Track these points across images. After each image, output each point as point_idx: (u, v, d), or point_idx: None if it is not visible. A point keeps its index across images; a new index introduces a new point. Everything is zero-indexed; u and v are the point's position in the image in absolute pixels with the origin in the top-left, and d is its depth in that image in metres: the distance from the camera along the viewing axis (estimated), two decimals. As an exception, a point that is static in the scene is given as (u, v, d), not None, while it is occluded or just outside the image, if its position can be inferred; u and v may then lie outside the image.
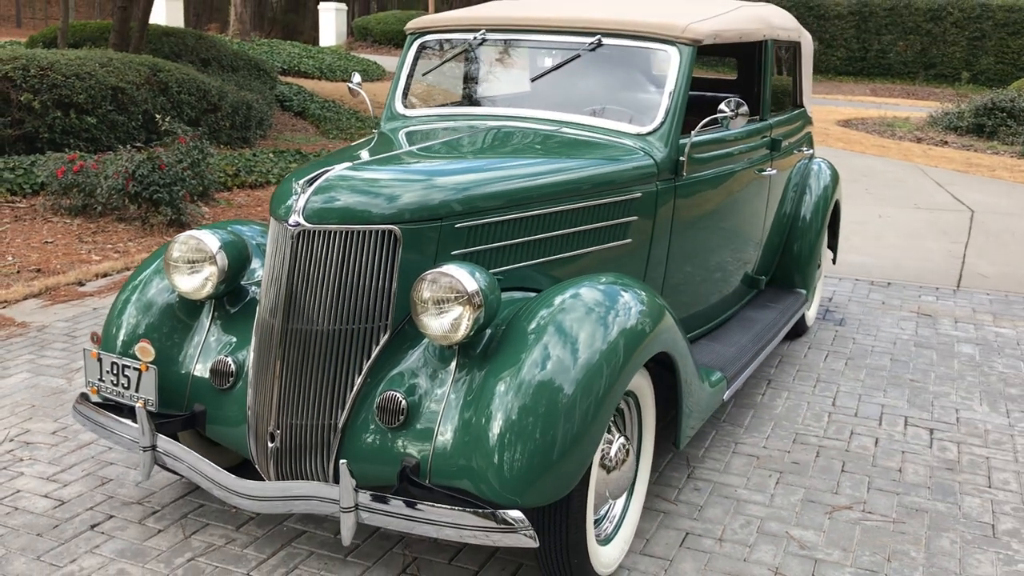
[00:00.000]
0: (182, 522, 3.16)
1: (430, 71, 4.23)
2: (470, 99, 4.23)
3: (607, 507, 2.98)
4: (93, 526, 3.12)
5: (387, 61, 21.39)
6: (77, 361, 4.55)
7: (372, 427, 2.64)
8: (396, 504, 2.50)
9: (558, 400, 2.47)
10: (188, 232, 3.04)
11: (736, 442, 3.91)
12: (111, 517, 3.18)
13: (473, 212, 2.91)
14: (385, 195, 2.75)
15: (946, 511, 3.40)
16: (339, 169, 2.81)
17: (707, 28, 3.73)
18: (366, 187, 2.77)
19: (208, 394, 2.95)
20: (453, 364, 2.64)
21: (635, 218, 3.47)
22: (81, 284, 5.79)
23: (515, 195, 3.05)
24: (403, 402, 2.60)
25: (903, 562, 3.06)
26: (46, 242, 6.61)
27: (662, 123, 3.58)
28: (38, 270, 6.02)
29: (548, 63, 3.99)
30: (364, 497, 2.52)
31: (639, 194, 3.46)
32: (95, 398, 3.05)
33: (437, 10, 26.76)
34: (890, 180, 10.73)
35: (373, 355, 2.68)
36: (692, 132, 3.63)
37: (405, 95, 4.13)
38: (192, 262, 3.00)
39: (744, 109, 3.46)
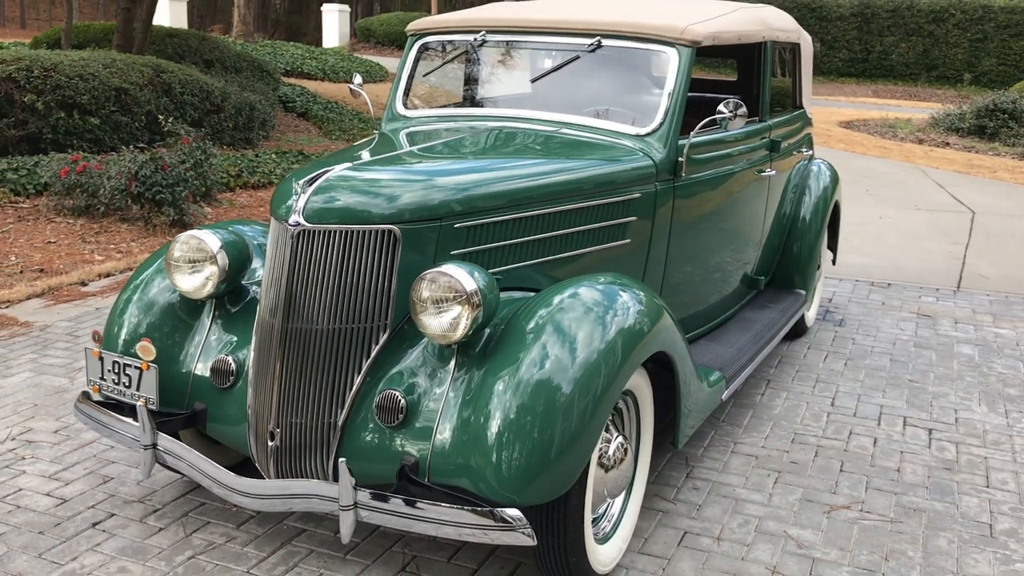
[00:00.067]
0: (183, 520, 3.18)
1: (431, 72, 4.25)
2: (470, 100, 4.25)
3: (605, 506, 3.00)
4: (94, 524, 3.14)
5: (390, 62, 21.42)
6: (79, 361, 4.57)
7: (371, 426, 2.66)
8: (395, 502, 2.51)
9: (556, 399, 2.49)
10: (189, 232, 3.06)
11: (735, 442, 3.92)
12: (112, 515, 3.20)
13: (472, 212, 2.92)
14: (385, 195, 2.77)
15: (944, 511, 3.41)
16: (339, 169, 2.83)
17: (706, 29, 3.75)
18: (366, 187, 2.78)
19: (209, 393, 2.97)
20: (452, 363, 2.66)
21: (634, 219, 3.49)
22: (84, 284, 5.82)
23: (514, 195, 3.07)
24: (402, 401, 2.62)
25: (900, 561, 3.08)
26: (49, 242, 6.64)
27: (661, 124, 3.60)
28: (41, 270, 6.05)
29: (548, 64, 4.01)
30: (363, 495, 2.53)
31: (638, 195, 3.47)
32: (96, 397, 3.07)
33: (440, 12, 26.78)
34: (891, 181, 10.74)
35: (372, 354, 2.70)
36: (691, 133, 3.65)
37: (406, 96, 4.15)
38: (193, 262, 3.01)
39: (743, 110, 3.48)
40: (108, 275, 6.01)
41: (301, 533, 3.11)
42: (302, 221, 2.69)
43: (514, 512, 2.44)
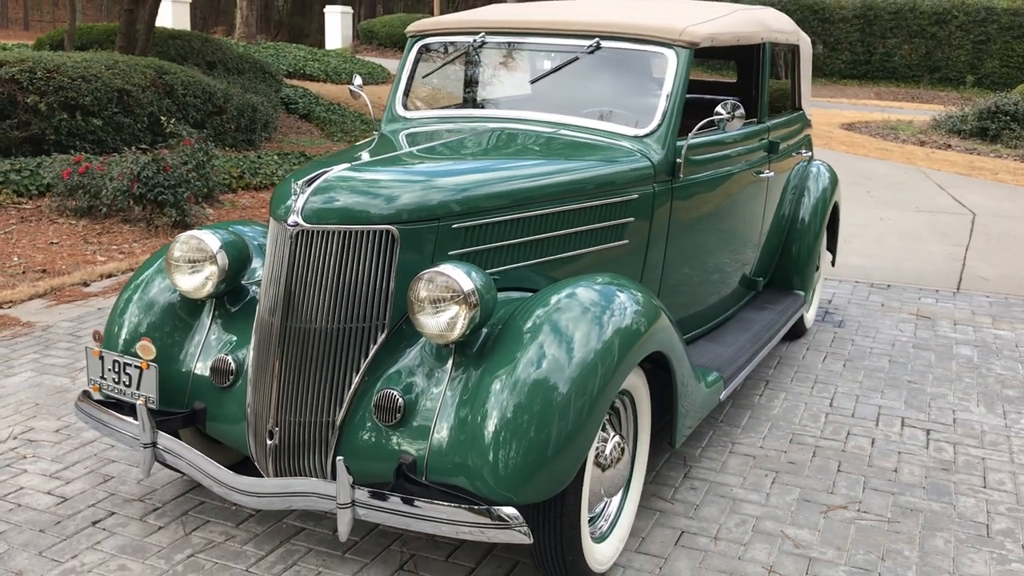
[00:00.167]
0: (182, 519, 3.20)
1: (431, 74, 4.26)
2: (470, 101, 4.26)
3: (602, 505, 3.01)
4: (95, 523, 3.16)
5: (392, 64, 21.44)
6: (81, 360, 4.59)
7: (369, 425, 2.68)
8: (393, 501, 2.53)
9: (553, 398, 2.50)
10: (189, 232, 3.08)
11: (733, 442, 3.94)
12: (112, 514, 3.22)
13: (470, 213, 2.94)
14: (383, 196, 2.79)
15: (941, 511, 3.42)
16: (338, 170, 2.85)
17: (704, 31, 3.76)
18: (364, 188, 2.80)
19: (208, 392, 2.98)
20: (450, 363, 2.68)
21: (632, 219, 3.50)
22: (86, 284, 5.84)
23: (512, 196, 3.08)
24: (400, 400, 2.63)
25: (897, 561, 3.09)
26: (51, 243, 6.66)
27: (659, 125, 3.61)
28: (43, 270, 6.07)
29: (547, 66, 4.03)
30: (361, 494, 2.55)
31: (636, 196, 3.49)
32: (97, 396, 3.09)
33: (442, 13, 26.81)
34: (892, 183, 10.74)
35: (371, 354, 2.72)
36: (689, 134, 3.66)
37: (405, 97, 4.17)
38: (193, 261, 3.03)
39: (740, 112, 3.49)
40: (110, 276, 6.03)
41: (300, 531, 3.13)
42: (301, 221, 2.71)
43: (511, 510, 2.45)
